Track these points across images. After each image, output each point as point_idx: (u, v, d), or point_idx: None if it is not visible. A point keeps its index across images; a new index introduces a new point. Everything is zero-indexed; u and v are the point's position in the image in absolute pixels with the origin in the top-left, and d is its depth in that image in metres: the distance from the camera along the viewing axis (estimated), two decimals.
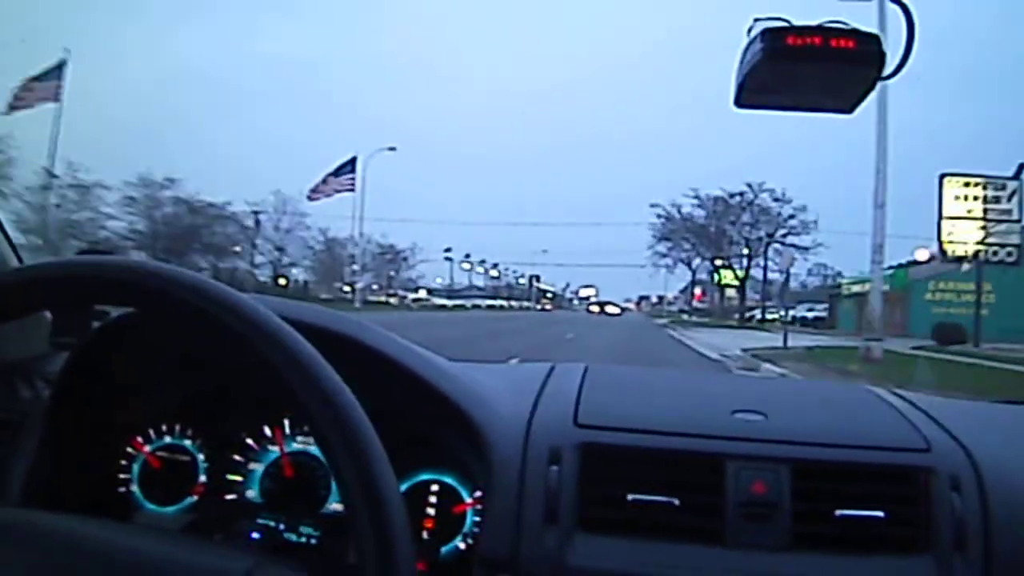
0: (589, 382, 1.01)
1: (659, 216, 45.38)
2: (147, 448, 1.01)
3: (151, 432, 1.01)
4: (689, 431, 0.88)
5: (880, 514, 0.81)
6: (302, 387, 0.56)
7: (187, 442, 1.01)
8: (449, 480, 0.95)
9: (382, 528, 0.54)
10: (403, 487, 0.95)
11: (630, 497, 0.82)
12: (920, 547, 0.81)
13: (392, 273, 52.92)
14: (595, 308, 68.96)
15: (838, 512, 0.81)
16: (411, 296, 56.27)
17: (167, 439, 1.02)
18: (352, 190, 36.59)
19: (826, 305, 42.46)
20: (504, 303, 67.73)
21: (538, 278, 78.05)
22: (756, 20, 0.81)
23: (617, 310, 64.13)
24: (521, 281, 78.95)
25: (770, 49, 0.79)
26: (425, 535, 0.93)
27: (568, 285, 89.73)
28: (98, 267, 0.60)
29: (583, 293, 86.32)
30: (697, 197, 43.39)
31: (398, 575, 0.53)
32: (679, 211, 44.38)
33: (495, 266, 75.08)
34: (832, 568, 0.79)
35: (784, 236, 42.84)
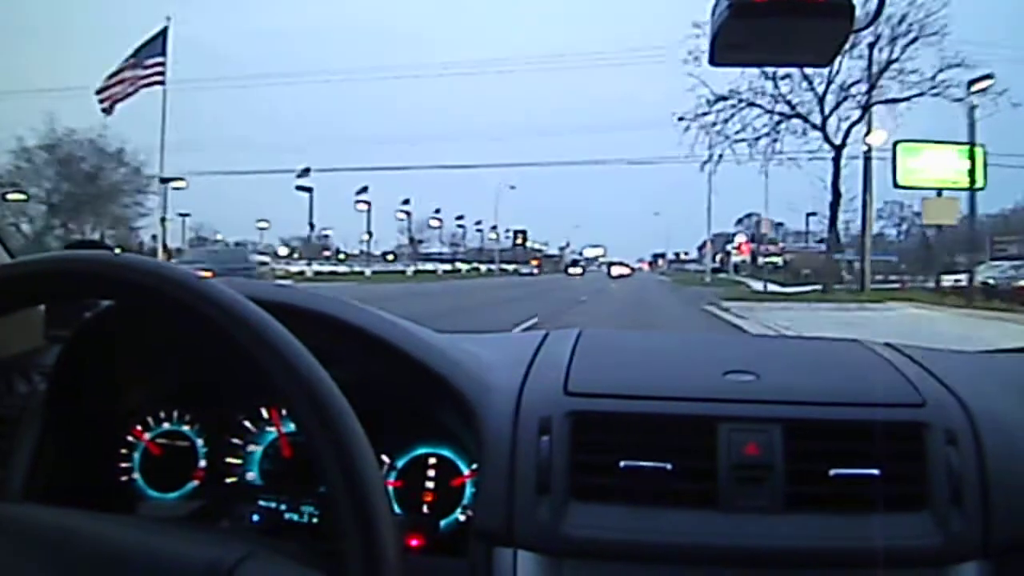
0: (581, 348, 1.00)
1: None
2: (146, 435, 1.02)
3: (149, 419, 1.03)
4: (680, 395, 0.88)
5: (875, 472, 0.81)
6: (277, 371, 0.57)
7: (186, 427, 1.03)
8: (446, 453, 0.96)
9: (362, 508, 0.54)
10: (401, 462, 0.96)
11: (622, 464, 0.82)
12: (916, 504, 0.80)
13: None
14: (576, 271, 53.40)
15: (832, 471, 0.81)
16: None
17: (166, 425, 1.03)
18: (161, 81, 22.67)
19: None
20: (467, 267, 51.25)
21: (525, 235, 61.06)
22: None
23: (627, 270, 52.03)
24: (491, 237, 57.88)
25: (737, 5, 0.78)
26: (425, 508, 0.95)
27: (568, 244, 72.41)
28: (84, 262, 0.62)
29: (589, 253, 70.91)
30: None
31: (381, 554, 0.54)
32: None
33: (437, 212, 52.62)
34: (827, 527, 0.79)
35: None
